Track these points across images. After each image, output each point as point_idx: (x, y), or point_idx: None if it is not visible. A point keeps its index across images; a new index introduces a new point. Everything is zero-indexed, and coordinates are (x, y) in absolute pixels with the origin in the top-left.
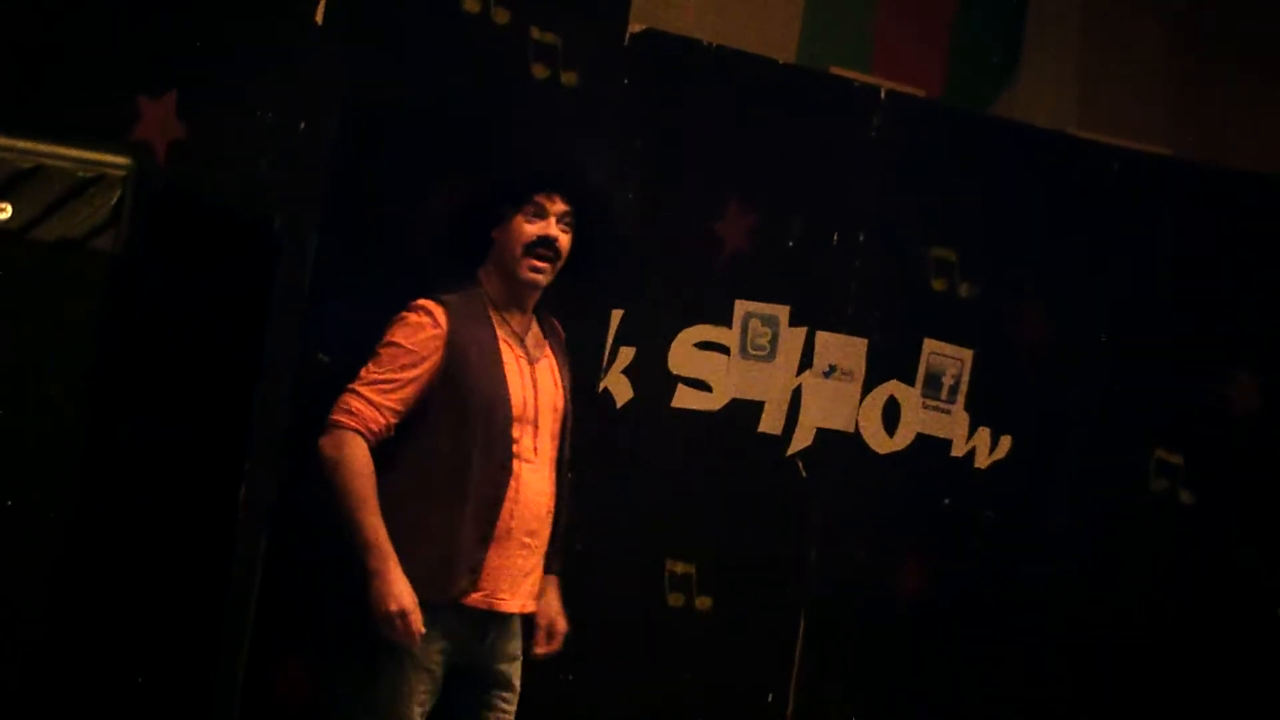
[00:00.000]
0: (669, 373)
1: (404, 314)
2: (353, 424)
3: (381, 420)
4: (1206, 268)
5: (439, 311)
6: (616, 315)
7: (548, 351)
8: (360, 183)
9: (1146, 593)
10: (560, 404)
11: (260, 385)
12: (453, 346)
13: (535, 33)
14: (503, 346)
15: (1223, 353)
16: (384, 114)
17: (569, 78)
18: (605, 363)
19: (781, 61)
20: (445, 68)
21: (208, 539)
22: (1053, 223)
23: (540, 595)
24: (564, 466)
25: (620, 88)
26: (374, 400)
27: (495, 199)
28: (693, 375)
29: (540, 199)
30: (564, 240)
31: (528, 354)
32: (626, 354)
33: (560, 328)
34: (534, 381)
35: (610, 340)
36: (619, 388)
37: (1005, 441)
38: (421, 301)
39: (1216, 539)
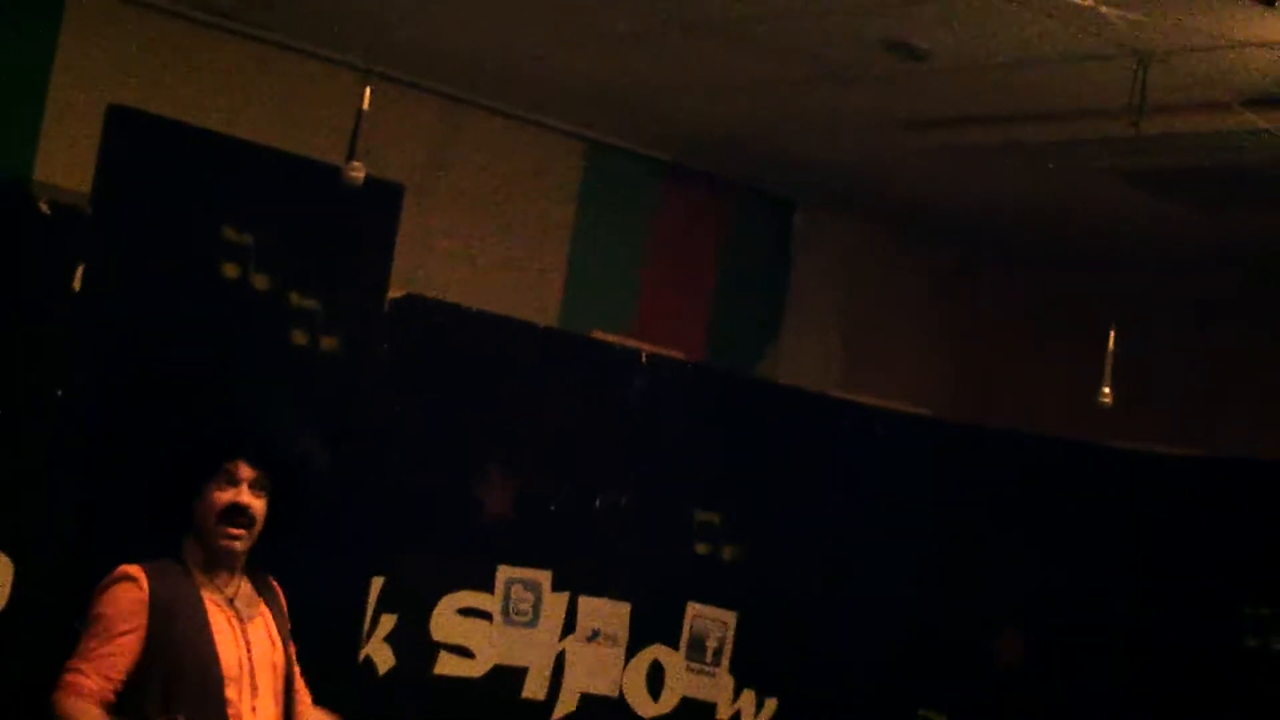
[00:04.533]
0: (431, 640)
1: (107, 582)
2: (82, 702)
3: (110, 688)
4: (971, 526)
5: (140, 575)
6: (377, 583)
7: (263, 609)
8: (124, 450)
9: None
10: (280, 662)
11: None
12: (156, 609)
13: (295, 299)
14: (210, 608)
15: (989, 610)
16: (142, 379)
17: (329, 343)
18: (366, 631)
19: (543, 325)
20: (204, 335)
21: None
22: (816, 484)
23: None
24: None
25: (381, 352)
26: (97, 673)
27: (186, 470)
28: (455, 642)
29: (229, 466)
30: (257, 505)
31: (238, 614)
32: (388, 621)
33: (276, 585)
34: (247, 641)
35: (371, 608)
36: (380, 655)
37: (771, 704)
38: (123, 568)
39: None
